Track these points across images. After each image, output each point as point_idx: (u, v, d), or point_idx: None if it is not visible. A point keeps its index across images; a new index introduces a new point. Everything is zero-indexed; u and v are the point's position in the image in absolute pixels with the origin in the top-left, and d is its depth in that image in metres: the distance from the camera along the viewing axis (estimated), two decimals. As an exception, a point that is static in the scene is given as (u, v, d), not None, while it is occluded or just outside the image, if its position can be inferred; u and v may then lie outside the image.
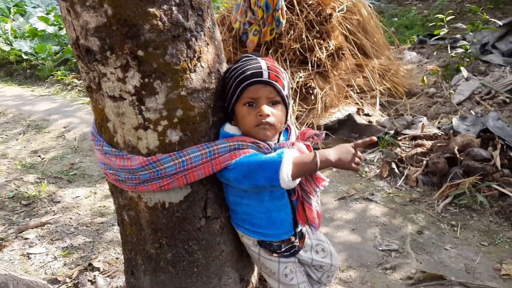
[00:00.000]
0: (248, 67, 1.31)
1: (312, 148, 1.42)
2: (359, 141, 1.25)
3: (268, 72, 1.30)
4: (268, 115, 1.29)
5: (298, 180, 1.25)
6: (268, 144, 1.32)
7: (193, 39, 1.22)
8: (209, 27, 1.28)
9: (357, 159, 1.25)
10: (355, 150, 1.25)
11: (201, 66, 1.27)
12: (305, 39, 3.72)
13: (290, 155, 1.23)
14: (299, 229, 1.48)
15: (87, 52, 1.19)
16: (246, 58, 1.37)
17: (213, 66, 1.32)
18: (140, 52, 1.15)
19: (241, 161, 1.26)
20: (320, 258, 1.60)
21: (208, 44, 1.28)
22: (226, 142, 1.29)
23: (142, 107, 1.23)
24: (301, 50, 3.77)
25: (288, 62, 3.74)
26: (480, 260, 2.14)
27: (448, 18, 3.67)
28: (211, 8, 1.32)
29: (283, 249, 1.45)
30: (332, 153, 1.24)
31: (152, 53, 1.16)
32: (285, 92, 1.34)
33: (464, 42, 3.60)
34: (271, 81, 1.29)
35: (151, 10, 1.11)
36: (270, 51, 3.76)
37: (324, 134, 1.42)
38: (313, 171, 1.27)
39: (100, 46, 1.16)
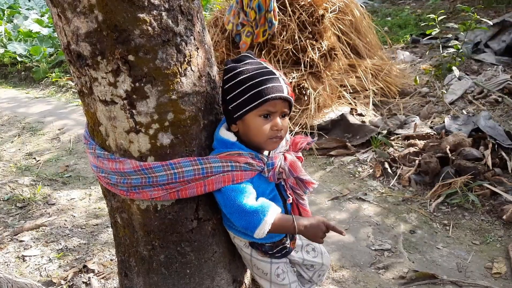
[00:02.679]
0: (266, 77, 1.28)
1: (303, 158, 1.46)
2: (332, 225, 1.32)
3: (287, 87, 1.30)
4: (282, 129, 1.31)
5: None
6: (261, 159, 1.32)
7: (183, 43, 1.23)
8: (199, 32, 1.29)
9: (323, 236, 1.33)
10: (326, 229, 1.32)
11: (192, 70, 1.28)
12: (297, 40, 3.74)
13: (273, 215, 1.26)
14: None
15: (79, 57, 1.20)
16: (249, 60, 1.34)
17: (203, 70, 1.33)
18: (130, 57, 1.16)
19: (229, 196, 1.28)
20: (311, 257, 1.62)
21: (198, 48, 1.29)
22: (219, 161, 1.28)
23: (134, 111, 1.24)
24: (294, 51, 3.79)
25: (281, 63, 3.76)
26: (472, 259, 2.16)
27: (440, 18, 3.69)
28: (201, 12, 1.33)
29: (275, 250, 1.47)
30: (306, 224, 1.31)
31: (143, 57, 1.18)
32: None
33: (456, 42, 3.62)
34: (290, 97, 1.31)
35: (141, 15, 1.13)
36: (263, 52, 3.78)
37: (316, 139, 1.45)
38: (288, 233, 1.36)
39: (91, 51, 1.17)
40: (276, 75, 1.30)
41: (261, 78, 1.27)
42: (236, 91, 1.29)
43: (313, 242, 1.63)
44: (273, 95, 1.25)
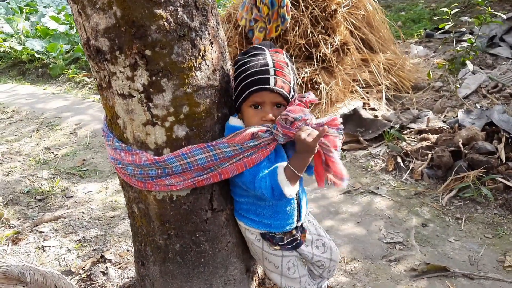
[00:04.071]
0: (256, 69, 1.34)
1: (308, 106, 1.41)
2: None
3: (275, 78, 1.33)
4: (272, 120, 1.35)
5: (296, 187, 1.32)
6: (267, 126, 1.34)
7: (198, 38, 1.27)
8: (213, 27, 1.33)
9: (311, 138, 1.27)
10: (307, 133, 1.28)
11: (206, 64, 1.32)
12: (310, 35, 3.76)
13: (281, 173, 1.29)
14: (300, 223, 1.53)
15: (98, 52, 1.25)
16: (254, 52, 1.40)
17: (217, 64, 1.37)
18: (147, 51, 1.21)
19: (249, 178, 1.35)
20: (320, 253, 1.64)
21: (212, 43, 1.33)
22: (228, 146, 1.32)
23: (150, 104, 1.29)
24: (307, 46, 3.81)
25: (293, 58, 3.78)
26: (484, 252, 2.17)
27: (453, 11, 3.66)
28: (215, 8, 1.37)
29: (285, 242, 1.50)
30: (296, 156, 1.31)
31: (159, 52, 1.22)
32: (290, 95, 1.37)
33: (470, 36, 3.59)
34: (277, 88, 1.33)
35: (158, 11, 1.17)
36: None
37: (310, 94, 1.40)
38: (304, 166, 1.31)
39: (110, 46, 1.22)
40: (268, 66, 1.34)
41: (251, 71, 1.34)
42: (235, 83, 1.40)
43: (323, 238, 1.66)
44: (257, 87, 1.32)
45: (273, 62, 1.35)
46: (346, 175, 1.36)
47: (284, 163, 1.32)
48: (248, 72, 1.35)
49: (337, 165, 1.34)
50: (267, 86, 1.32)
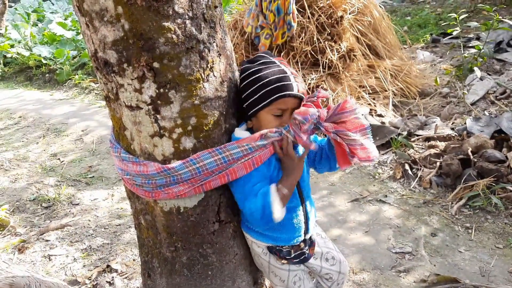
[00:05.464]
0: (276, 76, 1.32)
1: (320, 105, 1.38)
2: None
3: (297, 84, 1.33)
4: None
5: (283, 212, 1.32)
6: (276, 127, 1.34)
7: (206, 50, 1.26)
8: (221, 38, 1.32)
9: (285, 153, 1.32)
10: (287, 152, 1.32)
11: (214, 76, 1.31)
12: (316, 41, 3.75)
13: (274, 192, 1.30)
14: (308, 236, 1.50)
15: (105, 64, 1.24)
16: (263, 60, 1.39)
17: (225, 75, 1.36)
18: (155, 64, 1.20)
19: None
20: (329, 266, 1.61)
21: (220, 55, 1.32)
22: (237, 147, 1.31)
23: (158, 116, 1.27)
24: (313, 53, 3.80)
25: (299, 64, 3.77)
26: (495, 263, 2.13)
27: (461, 17, 3.64)
28: (223, 19, 1.36)
29: (292, 255, 1.47)
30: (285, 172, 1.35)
31: (167, 64, 1.21)
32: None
33: (477, 42, 3.56)
34: (301, 94, 1.32)
35: (166, 24, 1.16)
36: (282, 54, 3.80)
37: (319, 92, 1.36)
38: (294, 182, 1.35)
39: (118, 59, 1.21)
40: (287, 73, 1.33)
41: (271, 78, 1.32)
42: (249, 90, 1.35)
43: (332, 251, 1.63)
44: (284, 93, 1.30)
45: (293, 76, 1.34)
46: (374, 155, 1.30)
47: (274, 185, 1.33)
48: (267, 79, 1.32)
49: (360, 151, 1.28)
50: (291, 92, 1.31)
